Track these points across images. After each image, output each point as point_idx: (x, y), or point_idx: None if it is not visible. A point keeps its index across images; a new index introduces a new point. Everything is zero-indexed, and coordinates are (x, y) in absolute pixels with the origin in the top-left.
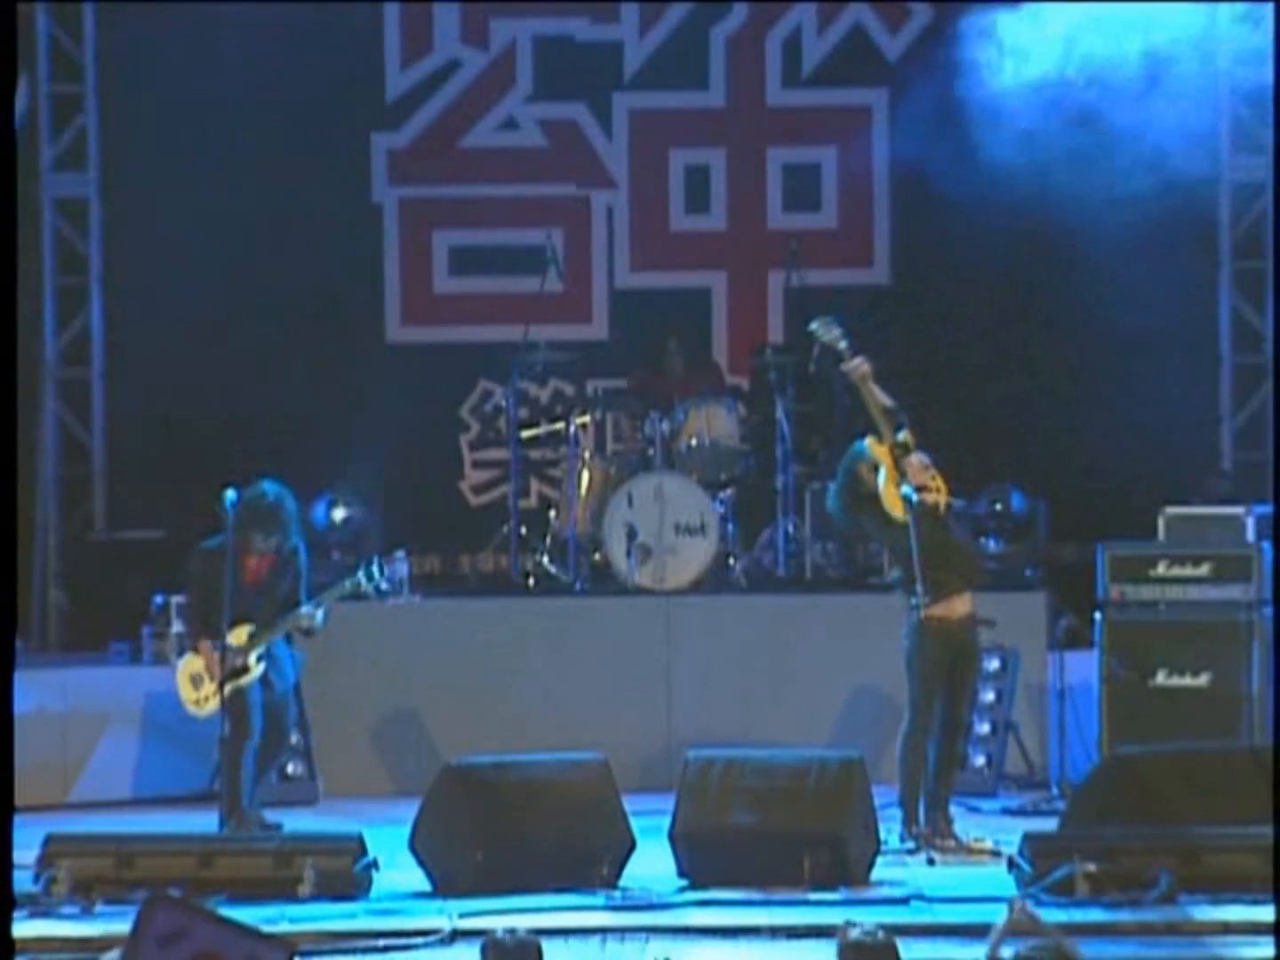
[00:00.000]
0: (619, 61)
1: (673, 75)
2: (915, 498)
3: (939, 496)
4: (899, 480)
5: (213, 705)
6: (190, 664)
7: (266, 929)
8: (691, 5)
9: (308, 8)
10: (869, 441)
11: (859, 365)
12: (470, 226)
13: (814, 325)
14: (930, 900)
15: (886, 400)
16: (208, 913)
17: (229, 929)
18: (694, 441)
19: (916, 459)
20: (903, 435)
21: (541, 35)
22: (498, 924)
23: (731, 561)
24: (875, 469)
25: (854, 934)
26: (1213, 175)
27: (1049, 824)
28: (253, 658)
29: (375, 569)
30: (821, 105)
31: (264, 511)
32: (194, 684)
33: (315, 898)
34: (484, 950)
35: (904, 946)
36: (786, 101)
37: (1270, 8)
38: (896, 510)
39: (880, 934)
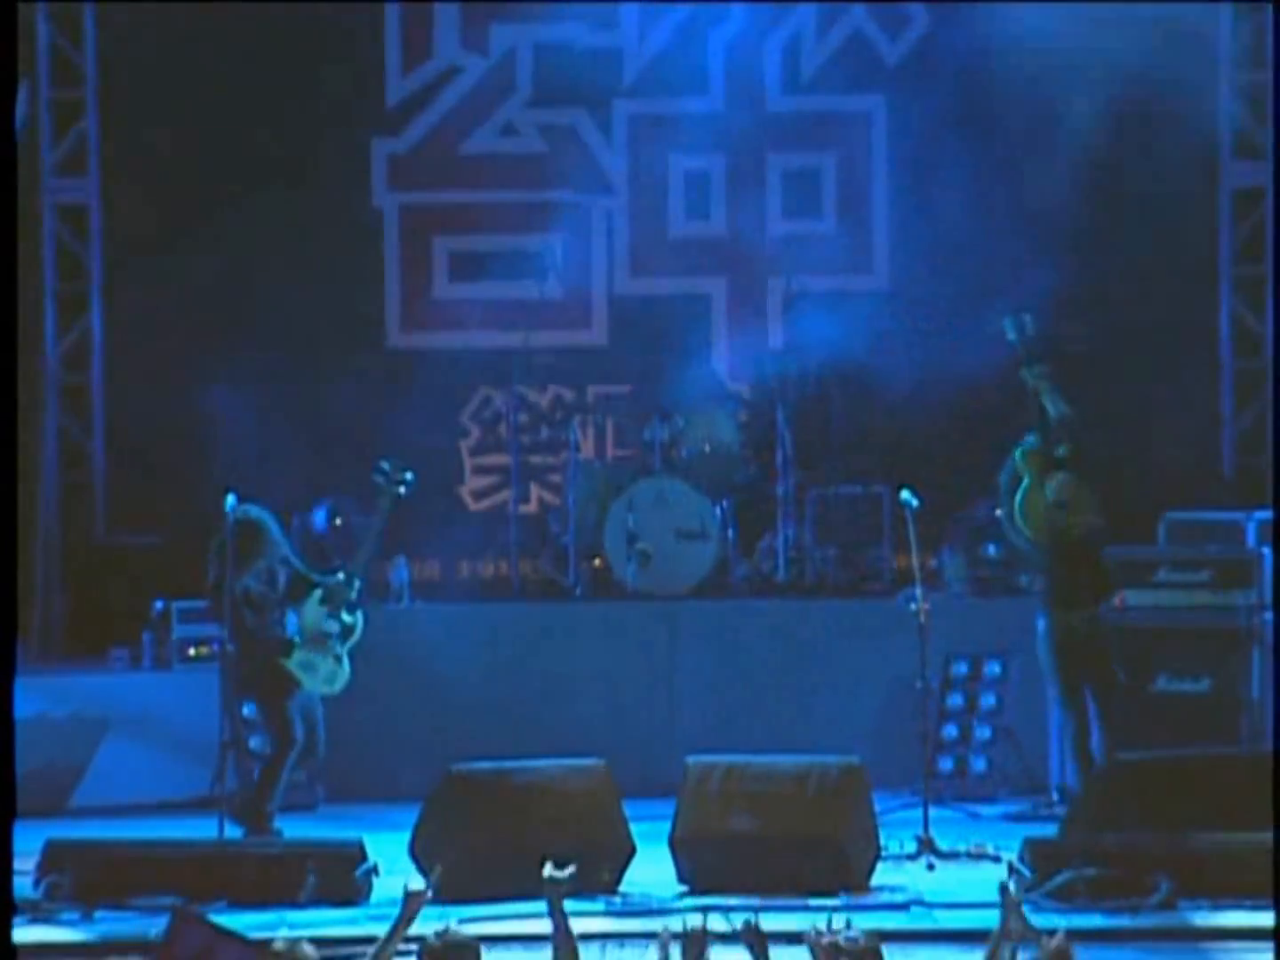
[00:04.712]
0: (618, 67)
1: (672, 81)
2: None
3: (1076, 517)
4: (1039, 491)
5: (343, 679)
6: (295, 657)
7: (266, 935)
8: (691, 10)
9: (308, 12)
10: (1023, 450)
11: (1039, 370)
12: (470, 232)
13: (1006, 322)
14: (930, 905)
15: (1062, 409)
16: (233, 935)
17: (255, 953)
18: (695, 447)
19: (1063, 477)
20: (1062, 450)
21: (541, 41)
22: (498, 930)
23: (732, 567)
24: (1020, 477)
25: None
26: (1212, 180)
27: (1049, 830)
28: (345, 617)
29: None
30: (821, 110)
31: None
32: (309, 670)
33: (315, 903)
34: (420, 956)
35: (905, 952)
36: (786, 107)
37: (1269, 8)
38: (1032, 522)
39: (861, 939)
